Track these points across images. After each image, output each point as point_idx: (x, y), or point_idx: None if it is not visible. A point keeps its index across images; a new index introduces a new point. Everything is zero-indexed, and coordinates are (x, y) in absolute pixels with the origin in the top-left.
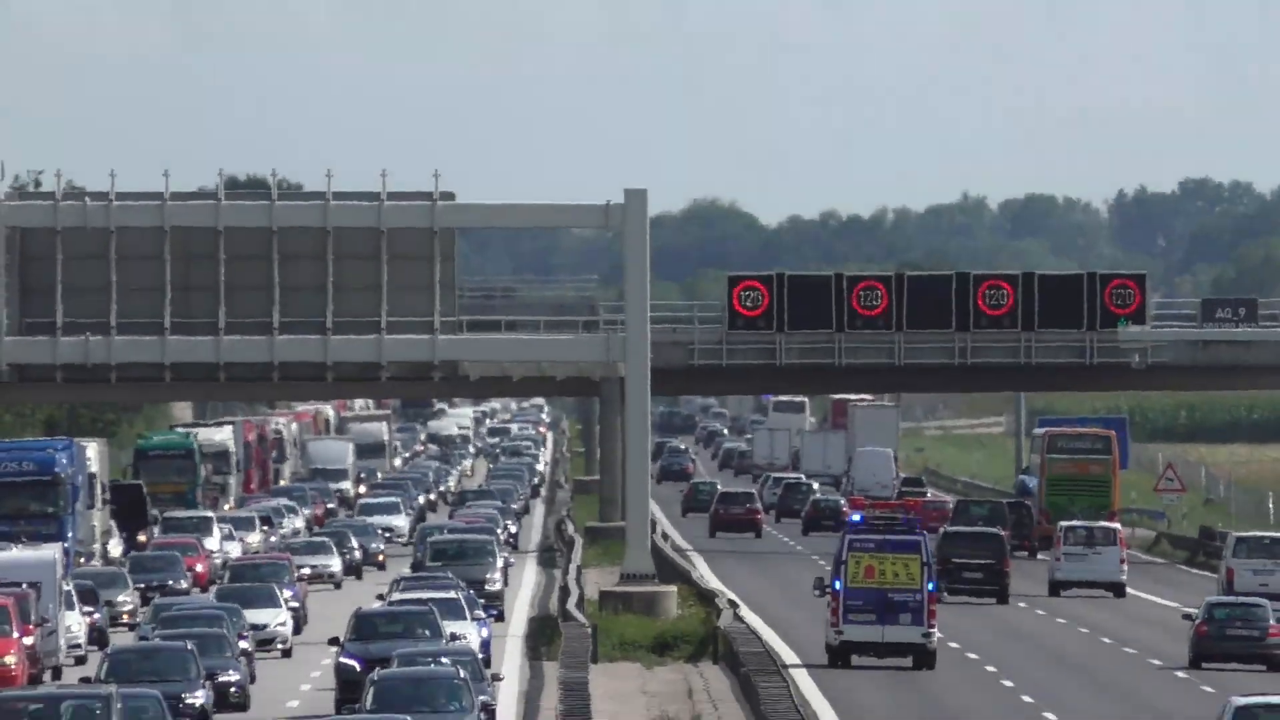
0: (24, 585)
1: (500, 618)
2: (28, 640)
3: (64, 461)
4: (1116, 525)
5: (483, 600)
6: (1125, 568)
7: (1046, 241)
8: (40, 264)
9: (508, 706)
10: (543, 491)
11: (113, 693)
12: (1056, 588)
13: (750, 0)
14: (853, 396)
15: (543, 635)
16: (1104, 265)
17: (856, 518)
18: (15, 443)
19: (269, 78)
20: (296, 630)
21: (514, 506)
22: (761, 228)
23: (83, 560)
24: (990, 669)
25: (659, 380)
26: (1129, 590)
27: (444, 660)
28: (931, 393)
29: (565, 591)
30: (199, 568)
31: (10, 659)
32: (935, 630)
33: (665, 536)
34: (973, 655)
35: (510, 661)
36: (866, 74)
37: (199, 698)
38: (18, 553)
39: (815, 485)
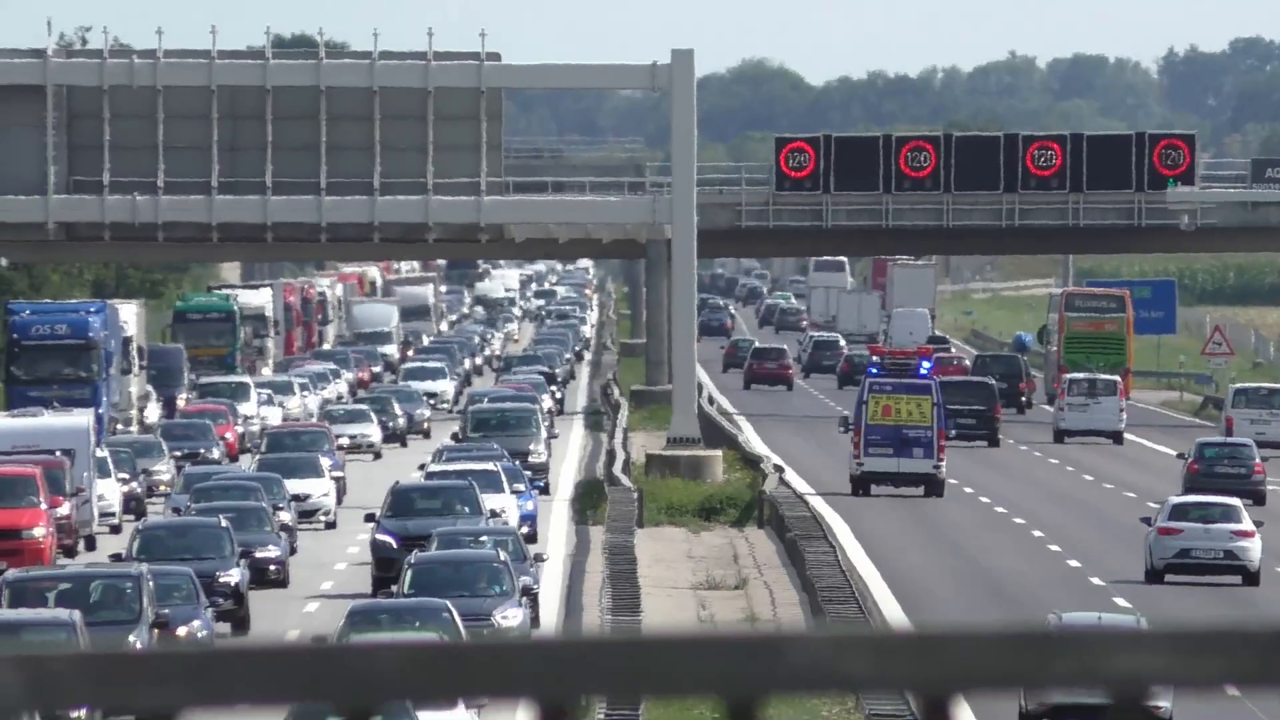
0: (57, 453)
1: (545, 490)
2: (62, 510)
3: (97, 324)
4: (1116, 378)
5: (528, 473)
6: (1124, 416)
7: (1095, 102)
8: (87, 123)
9: (553, 579)
10: (588, 355)
11: (143, 571)
12: (1060, 435)
13: None
14: (901, 258)
15: (589, 499)
16: (1153, 125)
17: (874, 367)
18: (47, 304)
19: None
20: (338, 501)
21: (559, 371)
22: (809, 88)
23: (119, 426)
24: (984, 499)
25: (705, 242)
26: (1127, 437)
27: (484, 540)
28: (979, 255)
29: (611, 456)
30: (229, 436)
31: (38, 530)
32: (944, 463)
33: (711, 400)
34: (969, 490)
35: (556, 527)
36: None
37: (233, 576)
38: (50, 419)
39: (842, 341)
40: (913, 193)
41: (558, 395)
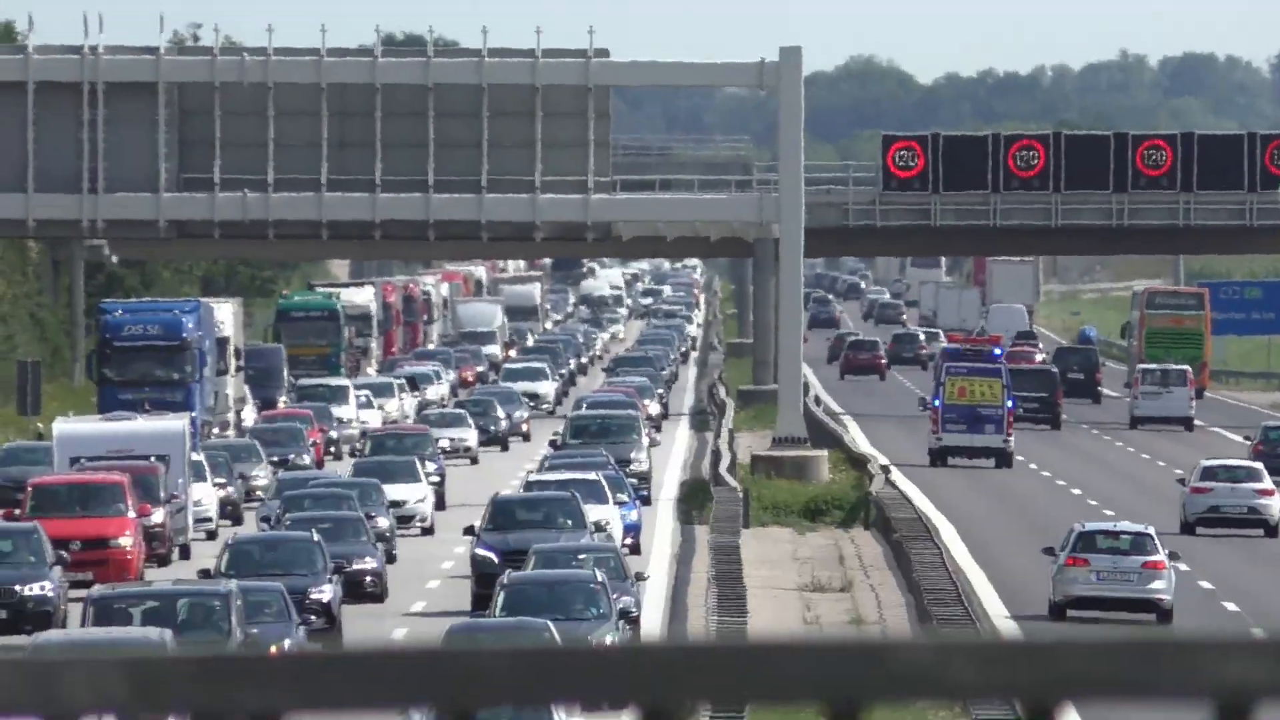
0: (150, 459)
1: (646, 500)
2: (155, 518)
3: (191, 324)
4: (1186, 368)
5: (633, 480)
6: (1194, 404)
7: (1205, 100)
8: (198, 120)
9: (657, 582)
10: (694, 354)
11: (232, 589)
12: (1135, 422)
13: None
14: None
15: (694, 500)
16: (1263, 124)
17: (951, 350)
18: (139, 304)
19: None
20: (439, 506)
21: (664, 373)
22: (917, 86)
23: (215, 430)
24: (1045, 474)
25: (813, 241)
26: (1196, 423)
27: (583, 558)
28: (1088, 255)
29: (717, 455)
30: (315, 441)
31: (125, 540)
32: (1013, 438)
33: (818, 400)
34: (1033, 465)
35: (661, 527)
36: None
37: (325, 593)
38: (145, 423)
39: (921, 335)
40: (1021, 192)
41: (663, 398)
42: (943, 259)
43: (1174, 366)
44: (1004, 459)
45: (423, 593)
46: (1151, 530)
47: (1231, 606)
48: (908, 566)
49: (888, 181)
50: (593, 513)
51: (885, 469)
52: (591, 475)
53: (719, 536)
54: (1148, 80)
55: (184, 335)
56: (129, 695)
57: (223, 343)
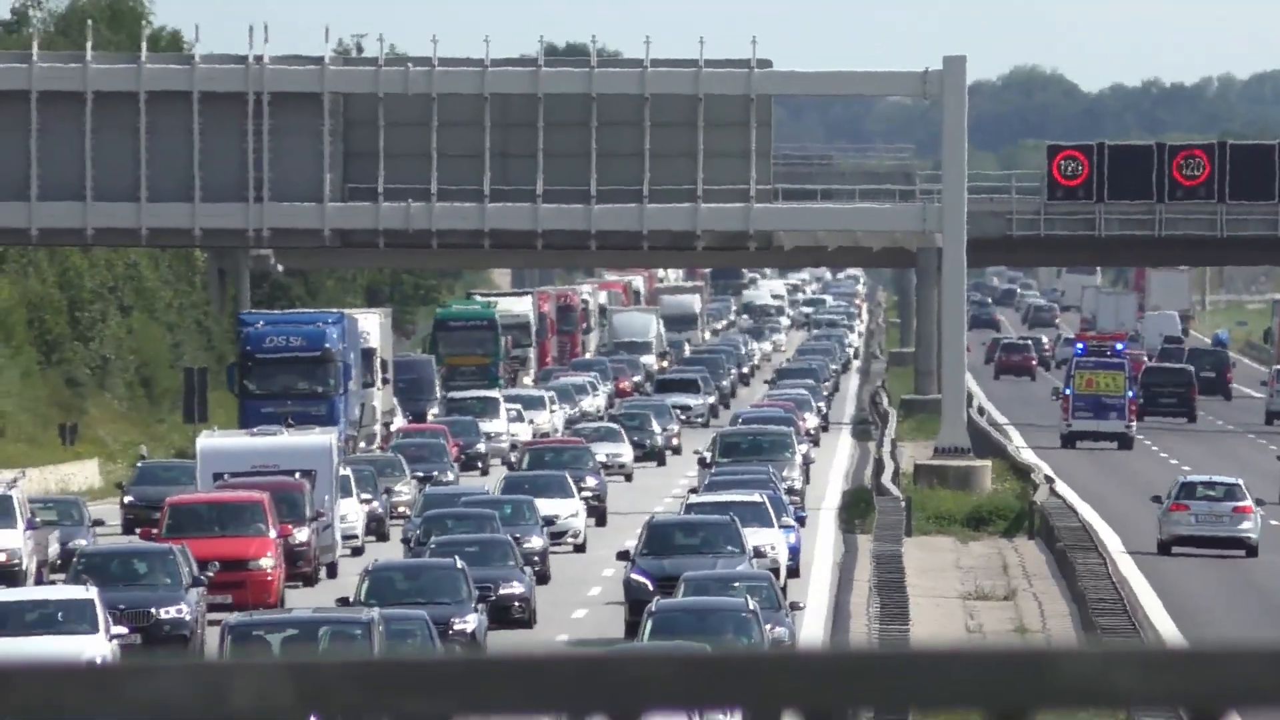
0: (296, 474)
1: (802, 521)
2: (300, 536)
3: (335, 336)
4: None
5: (794, 501)
6: None
7: None
8: (363, 130)
9: (816, 609)
10: (856, 364)
11: (374, 617)
12: (1270, 417)
13: None
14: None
15: (857, 508)
16: None
17: (1080, 347)
18: (281, 315)
19: None
20: (601, 522)
21: (825, 384)
22: (1082, 95)
23: (362, 445)
24: (1161, 453)
25: (976, 251)
26: None
27: (736, 587)
28: (1252, 265)
29: (879, 465)
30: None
31: (266, 562)
32: (1134, 423)
33: (981, 410)
34: (1153, 446)
35: (821, 542)
36: None
37: (469, 623)
38: (291, 437)
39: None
40: (1186, 202)
41: (823, 410)
42: (1099, 266)
43: None
44: (1126, 442)
45: (569, 623)
46: (1241, 481)
47: None
48: (1072, 575)
49: (1053, 190)
50: (755, 537)
51: (1049, 479)
52: (755, 497)
53: (882, 545)
54: None
55: (327, 346)
56: (294, 700)
57: (369, 354)
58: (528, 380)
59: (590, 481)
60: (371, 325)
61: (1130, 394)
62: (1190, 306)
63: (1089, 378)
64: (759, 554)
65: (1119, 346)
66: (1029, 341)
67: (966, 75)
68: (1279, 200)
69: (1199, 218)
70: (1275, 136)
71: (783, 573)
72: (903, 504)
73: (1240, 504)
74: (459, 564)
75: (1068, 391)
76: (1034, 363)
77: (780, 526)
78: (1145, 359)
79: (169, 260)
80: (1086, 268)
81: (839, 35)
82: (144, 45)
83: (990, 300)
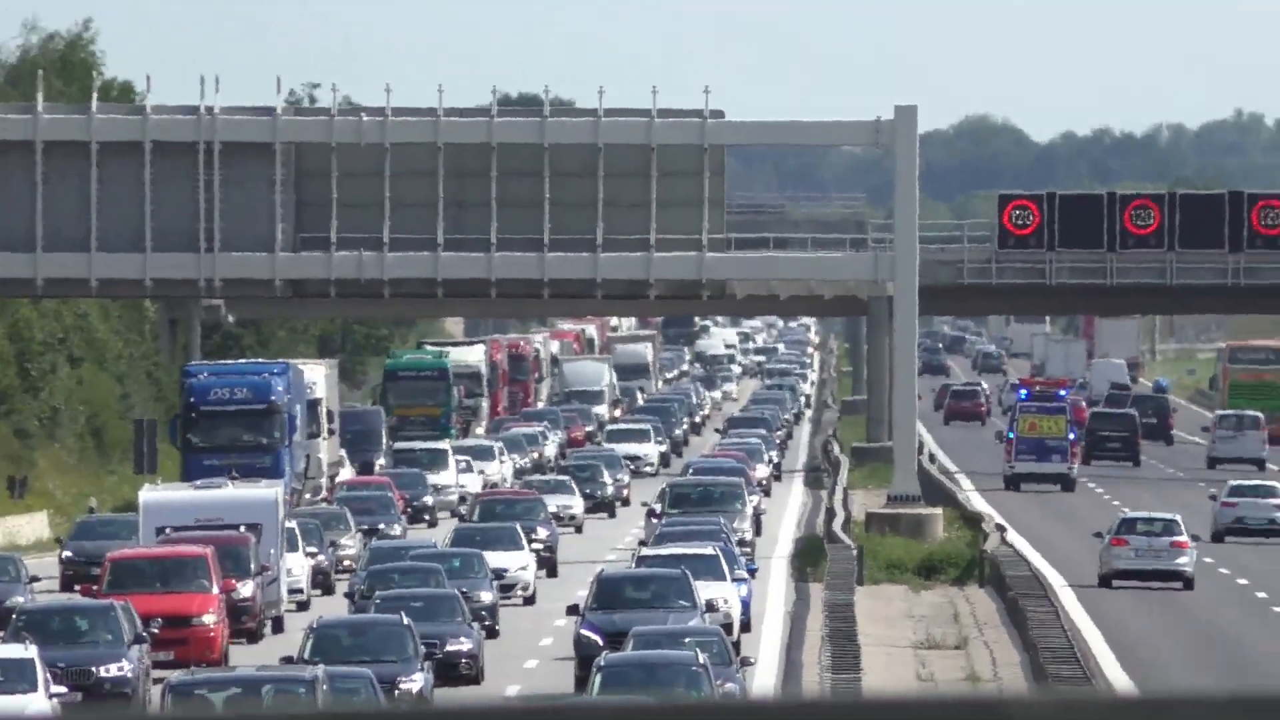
0: (240, 528)
1: (752, 574)
2: (244, 591)
3: (279, 387)
4: (1259, 414)
5: (745, 553)
6: (1267, 447)
7: None
8: (315, 180)
9: (771, 638)
10: (808, 413)
11: (318, 675)
12: (1212, 462)
13: None
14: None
15: (808, 556)
16: None
17: (1023, 392)
18: (226, 366)
19: None
20: (552, 573)
21: (777, 432)
22: (1033, 144)
23: (308, 497)
24: (1105, 495)
25: (927, 299)
26: (1269, 465)
27: (685, 642)
28: (1204, 314)
29: (831, 513)
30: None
31: (209, 618)
32: (1076, 465)
33: (932, 458)
34: (1097, 489)
35: (774, 590)
36: None
37: (415, 681)
38: (236, 490)
39: (979, 383)
40: (1137, 250)
41: (775, 460)
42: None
43: (1248, 413)
44: (1068, 484)
45: (521, 674)
46: (1179, 517)
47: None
48: (1023, 624)
49: (1004, 239)
50: (708, 590)
51: (1000, 527)
52: (708, 549)
53: (834, 594)
54: (1264, 139)
55: (272, 398)
56: None
57: (314, 405)
58: (480, 430)
59: (542, 533)
60: (317, 375)
61: (1072, 436)
62: (1139, 354)
63: (1032, 421)
64: (711, 608)
65: (1061, 392)
66: (977, 388)
67: (918, 124)
68: (1229, 249)
69: (1150, 266)
70: (1226, 186)
71: (735, 627)
72: (855, 552)
73: (1177, 539)
74: (405, 620)
75: (1011, 435)
76: (983, 408)
77: (733, 579)
78: (1083, 404)
79: (119, 310)
80: (1036, 316)
81: (791, 85)
82: (95, 96)
83: (941, 346)
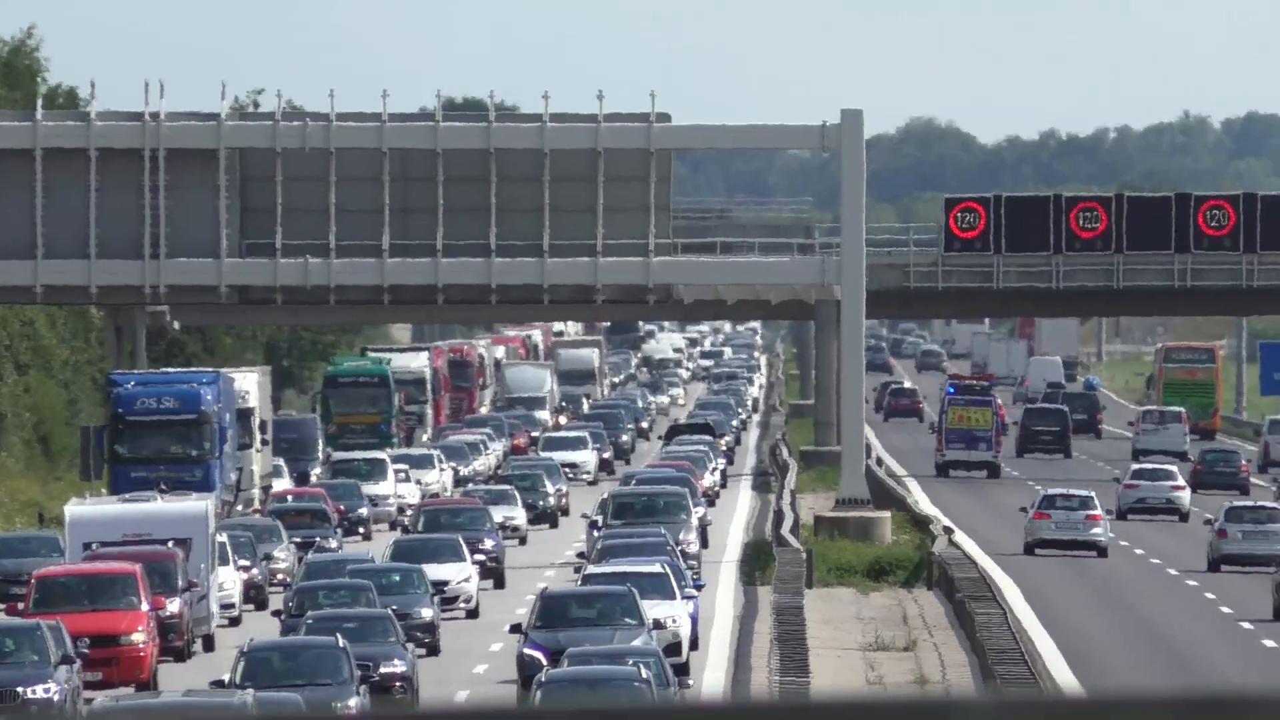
0: (169, 544)
1: (699, 589)
2: (171, 608)
3: (209, 397)
4: (1182, 409)
5: (691, 566)
6: (1188, 440)
7: (1269, 161)
8: (260, 185)
9: (720, 643)
10: (756, 417)
11: (248, 701)
12: (1137, 454)
13: None
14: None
15: (757, 560)
16: None
17: (952, 388)
18: (153, 375)
19: (488, 1)
20: (499, 584)
21: (724, 438)
22: (979, 148)
23: (239, 509)
24: (1030, 482)
25: (874, 303)
26: (1189, 457)
27: (626, 661)
28: (1150, 316)
29: (779, 516)
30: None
31: (138, 636)
32: (1000, 452)
33: (879, 461)
34: (1025, 478)
35: (723, 590)
36: None
37: (351, 707)
38: (165, 504)
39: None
40: (1084, 253)
41: (721, 467)
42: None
43: (1171, 408)
44: (994, 471)
45: (468, 679)
46: (1094, 494)
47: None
48: (971, 626)
49: (950, 243)
50: (656, 609)
51: (948, 529)
52: (656, 567)
53: (782, 597)
54: (1210, 142)
55: (202, 408)
56: None
57: (246, 414)
58: (425, 437)
59: (488, 544)
60: (250, 384)
61: (997, 427)
62: (1078, 353)
63: (960, 413)
64: (659, 626)
65: (986, 385)
66: (915, 387)
67: (864, 128)
68: (1175, 251)
69: (1096, 269)
70: (1172, 188)
71: (684, 646)
72: (803, 555)
73: (1092, 512)
74: (341, 642)
75: (943, 426)
76: (921, 405)
77: (683, 597)
78: (1005, 401)
79: (65, 318)
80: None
81: (738, 89)
82: (39, 102)
83: (884, 345)
